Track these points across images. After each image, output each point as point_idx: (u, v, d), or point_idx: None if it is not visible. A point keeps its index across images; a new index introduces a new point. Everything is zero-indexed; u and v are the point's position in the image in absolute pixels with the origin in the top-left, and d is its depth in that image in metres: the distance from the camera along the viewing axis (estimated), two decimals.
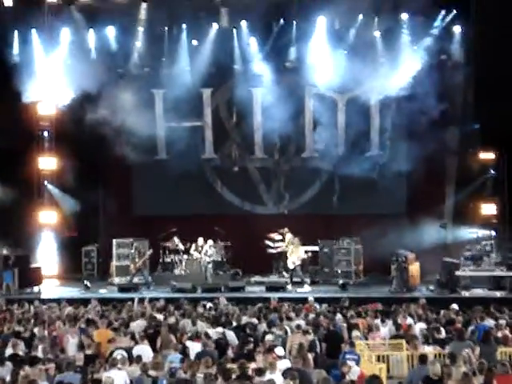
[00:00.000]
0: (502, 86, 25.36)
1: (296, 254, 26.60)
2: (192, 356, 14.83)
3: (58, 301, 23.07)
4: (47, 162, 29.63)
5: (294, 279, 26.58)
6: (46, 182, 29.74)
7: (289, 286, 26.23)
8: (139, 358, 14.26)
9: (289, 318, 19.11)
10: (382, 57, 28.04)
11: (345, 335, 17.17)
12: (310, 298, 22.46)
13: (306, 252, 27.06)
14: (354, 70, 27.56)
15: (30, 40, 28.52)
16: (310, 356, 14.44)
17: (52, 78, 28.43)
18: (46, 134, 29.68)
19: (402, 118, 27.56)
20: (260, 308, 20.96)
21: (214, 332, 17.23)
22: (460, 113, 27.19)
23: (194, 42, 29.08)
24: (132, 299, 22.90)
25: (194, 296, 24.63)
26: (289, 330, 17.27)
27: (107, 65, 28.48)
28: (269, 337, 16.43)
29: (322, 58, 28.25)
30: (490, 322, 18.12)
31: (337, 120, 29.19)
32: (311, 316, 19.55)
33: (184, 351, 15.42)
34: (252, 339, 16.32)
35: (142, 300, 22.30)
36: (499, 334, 16.54)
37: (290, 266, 26.62)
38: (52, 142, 29.75)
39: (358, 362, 14.58)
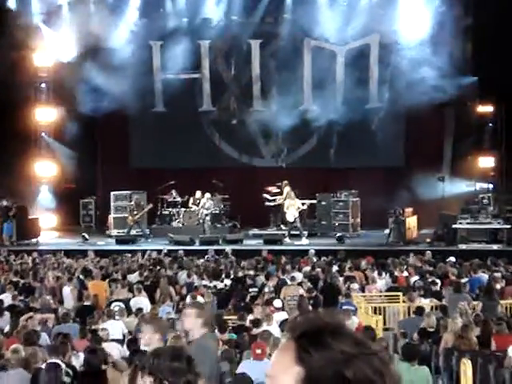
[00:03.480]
0: (500, 38, 25.17)
1: (294, 206, 26.52)
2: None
3: (55, 252, 23.20)
4: (45, 114, 29.38)
5: (293, 232, 26.62)
6: (43, 134, 29.53)
7: (286, 239, 26.26)
8: (139, 310, 14.35)
9: (285, 271, 19.24)
10: (381, 8, 27.72)
11: (341, 287, 17.23)
12: (311, 251, 22.55)
13: (303, 204, 26.99)
14: (353, 21, 27.38)
15: None
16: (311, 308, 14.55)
17: (50, 28, 28.18)
18: (43, 85, 29.41)
19: (401, 70, 27.25)
20: (257, 260, 21.10)
21: (212, 285, 17.42)
22: (458, 65, 26.87)
23: None
24: (129, 251, 23.14)
25: (192, 248, 24.64)
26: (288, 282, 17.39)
27: (105, 16, 28.19)
28: (267, 289, 16.58)
29: (321, 10, 27.96)
30: (486, 275, 18.24)
31: (335, 72, 28.91)
32: (308, 268, 19.68)
33: (180, 303, 15.57)
34: (249, 291, 16.59)
35: (144, 252, 22.40)
36: (497, 287, 16.50)
37: (290, 219, 26.55)
38: (49, 94, 29.48)
39: (355, 313, 14.67)
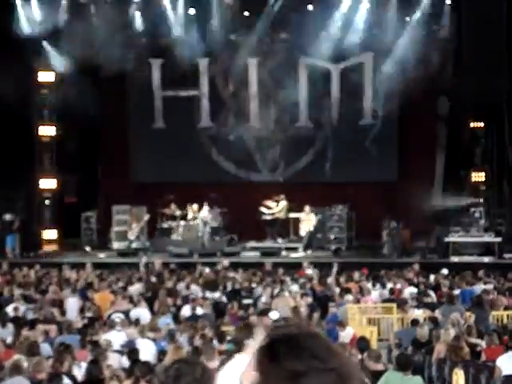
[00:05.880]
0: (491, 57, 25.62)
1: (308, 222, 27.00)
2: (188, 319, 15.19)
3: (58, 265, 23.46)
4: (47, 129, 29.43)
5: (290, 245, 27.06)
6: (45, 149, 29.54)
7: (300, 250, 26.73)
8: (138, 321, 14.54)
9: (282, 283, 19.59)
10: (375, 27, 28.07)
11: (337, 299, 17.65)
12: (305, 264, 22.92)
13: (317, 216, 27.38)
14: (348, 40, 27.74)
15: (30, 5, 28.39)
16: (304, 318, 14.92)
17: (52, 44, 28.44)
18: (45, 100, 29.44)
19: (394, 88, 27.40)
20: (254, 272, 21.47)
21: (211, 296, 17.77)
22: (450, 83, 27.23)
23: (191, 11, 29.09)
24: (129, 264, 23.46)
25: (191, 261, 25.02)
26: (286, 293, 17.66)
27: (106, 33, 28.45)
28: (263, 300, 16.99)
29: (317, 29, 28.28)
30: (479, 287, 18.65)
31: (330, 89, 29.31)
32: (304, 280, 20.06)
33: (178, 314, 15.92)
34: (246, 303, 16.92)
35: (147, 264, 22.68)
36: (488, 298, 16.88)
37: (303, 233, 26.99)
38: (52, 109, 29.45)
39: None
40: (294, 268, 22.71)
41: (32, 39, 27.75)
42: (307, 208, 27.02)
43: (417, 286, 19.34)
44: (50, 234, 29.20)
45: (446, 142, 28.38)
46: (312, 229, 27.08)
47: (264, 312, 14.53)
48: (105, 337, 12.87)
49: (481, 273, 21.23)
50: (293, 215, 27.55)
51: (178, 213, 28.07)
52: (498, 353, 11.70)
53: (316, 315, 15.79)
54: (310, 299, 17.27)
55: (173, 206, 28.09)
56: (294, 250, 26.88)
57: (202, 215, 27.62)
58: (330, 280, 20.09)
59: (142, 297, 17.27)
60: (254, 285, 19.60)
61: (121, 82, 28.32)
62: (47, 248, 28.35)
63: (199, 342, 12.31)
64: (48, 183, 29.58)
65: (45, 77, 29.28)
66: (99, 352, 11.44)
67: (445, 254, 25.40)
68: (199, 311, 16.00)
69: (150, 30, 28.78)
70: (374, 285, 19.52)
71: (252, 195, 28.07)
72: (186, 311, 16.18)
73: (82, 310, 16.51)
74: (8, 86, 24.87)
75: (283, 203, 27.36)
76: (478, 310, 15.60)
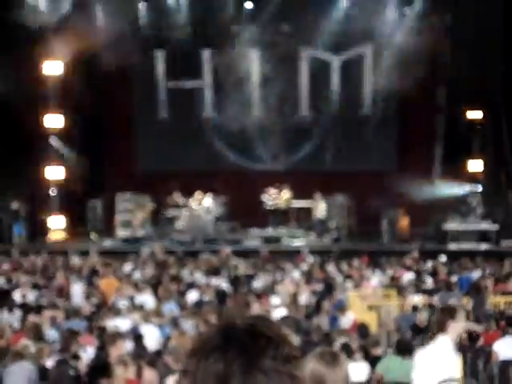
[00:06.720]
0: (489, 48, 25.89)
1: (317, 208, 27.42)
2: (194, 305, 15.33)
3: (64, 252, 23.72)
4: (53, 119, 29.45)
5: (292, 233, 27.46)
6: (51, 138, 29.53)
7: (285, 239, 27.04)
8: (142, 307, 14.67)
9: (284, 270, 19.95)
10: (375, 18, 28.22)
11: (338, 285, 17.87)
12: (304, 250, 23.27)
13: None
14: (348, 31, 27.99)
15: None
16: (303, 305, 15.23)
17: (56, 34, 28.34)
18: (51, 91, 29.36)
19: (394, 79, 27.44)
20: (255, 259, 21.82)
21: (213, 282, 18.09)
22: (448, 73, 27.48)
23: (195, 2, 29.24)
24: (135, 251, 23.78)
25: (194, 249, 25.36)
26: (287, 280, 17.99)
27: (111, 23, 28.68)
28: (257, 284, 17.32)
29: (317, 21, 28.58)
30: (476, 273, 19.03)
31: (331, 80, 29.61)
32: (305, 267, 20.42)
33: (182, 300, 16.06)
34: (248, 289, 17.13)
35: (149, 250, 23.01)
36: (486, 285, 17.18)
37: (319, 216, 27.50)
38: (57, 99, 29.42)
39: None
40: (295, 255, 23.04)
41: (37, 29, 27.78)
42: (318, 195, 27.37)
43: (416, 272, 19.65)
44: (56, 222, 29.29)
45: (444, 131, 28.65)
46: (321, 216, 27.44)
47: (261, 296, 14.95)
48: (110, 323, 13.03)
49: (478, 259, 21.61)
50: (298, 204, 27.91)
51: (181, 201, 28.33)
52: (496, 338, 11.93)
53: (327, 303, 15.61)
54: (316, 286, 17.52)
55: (176, 195, 28.36)
56: (296, 237, 27.21)
57: (205, 203, 27.93)
58: (331, 267, 20.40)
59: (146, 283, 17.45)
60: (255, 271, 19.88)
61: (125, 73, 28.49)
62: (53, 236, 28.53)
63: (203, 328, 12.48)
64: (54, 171, 29.61)
65: (50, 67, 29.30)
66: (107, 337, 11.51)
67: (443, 241, 25.78)
68: (205, 298, 16.17)
69: (154, 21, 29.09)
70: (374, 271, 19.85)
71: (254, 184, 28.35)
72: (192, 297, 16.33)
73: (88, 296, 16.62)
74: (13, 75, 25.11)
75: (286, 193, 27.70)
76: (475, 296, 15.86)
